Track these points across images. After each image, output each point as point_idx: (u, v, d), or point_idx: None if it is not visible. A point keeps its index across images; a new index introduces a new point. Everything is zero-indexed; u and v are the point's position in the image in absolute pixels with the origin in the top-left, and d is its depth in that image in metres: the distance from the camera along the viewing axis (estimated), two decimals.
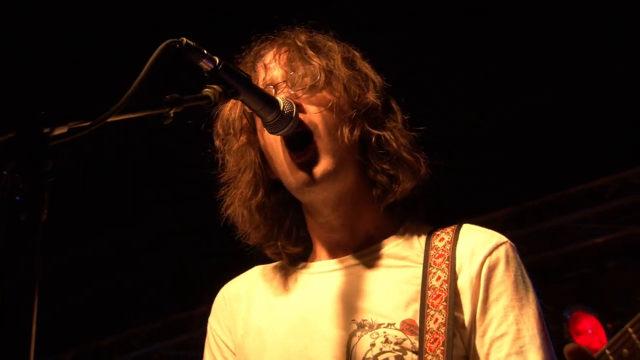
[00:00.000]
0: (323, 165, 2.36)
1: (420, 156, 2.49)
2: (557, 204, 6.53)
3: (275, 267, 2.64)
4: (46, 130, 1.68)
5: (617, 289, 6.50)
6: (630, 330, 1.67)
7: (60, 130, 1.71)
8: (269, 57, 2.52)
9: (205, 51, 2.09)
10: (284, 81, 2.45)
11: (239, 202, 2.55)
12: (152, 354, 7.68)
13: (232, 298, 2.63)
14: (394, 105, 2.57)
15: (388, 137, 2.45)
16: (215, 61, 2.10)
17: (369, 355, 2.22)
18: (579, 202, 6.50)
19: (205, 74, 2.11)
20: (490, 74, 6.03)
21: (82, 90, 4.48)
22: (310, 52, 2.46)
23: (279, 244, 2.57)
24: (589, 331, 6.36)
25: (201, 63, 2.09)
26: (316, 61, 2.44)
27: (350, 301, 2.35)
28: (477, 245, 2.37)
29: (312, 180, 2.36)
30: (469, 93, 6.00)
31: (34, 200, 1.62)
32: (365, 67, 2.57)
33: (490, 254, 2.34)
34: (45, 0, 4.93)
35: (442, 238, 2.41)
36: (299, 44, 2.49)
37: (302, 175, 2.37)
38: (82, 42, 5.12)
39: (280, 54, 2.50)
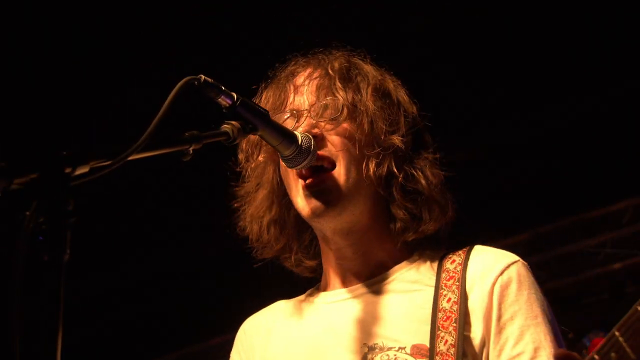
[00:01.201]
0: (334, 198, 2.36)
1: (449, 198, 2.47)
2: (574, 229, 6.50)
3: (296, 300, 2.64)
4: (68, 170, 1.68)
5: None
6: (617, 334, 1.66)
7: (82, 170, 1.72)
8: (300, 79, 2.51)
9: (223, 87, 2.09)
10: (307, 110, 2.44)
11: (252, 217, 2.56)
12: None
13: (253, 332, 2.64)
14: (427, 139, 2.55)
15: (417, 176, 2.42)
16: (233, 97, 2.10)
17: None
18: (596, 227, 6.47)
19: (224, 110, 2.11)
20: (500, 98, 6.00)
21: (103, 129, 4.45)
22: (338, 84, 2.44)
23: (292, 258, 2.59)
24: None
25: (219, 99, 2.09)
26: (341, 94, 2.42)
27: (362, 327, 2.35)
28: (488, 265, 2.35)
29: (320, 212, 2.37)
30: (480, 119, 5.98)
31: (56, 240, 1.62)
32: (401, 97, 2.55)
33: (502, 273, 2.32)
34: (64, 43, 4.92)
35: (453, 260, 2.40)
36: (331, 72, 2.47)
37: (311, 204, 2.38)
38: (105, 82, 5.13)
39: (311, 80, 2.49)
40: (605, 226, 6.44)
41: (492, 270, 2.33)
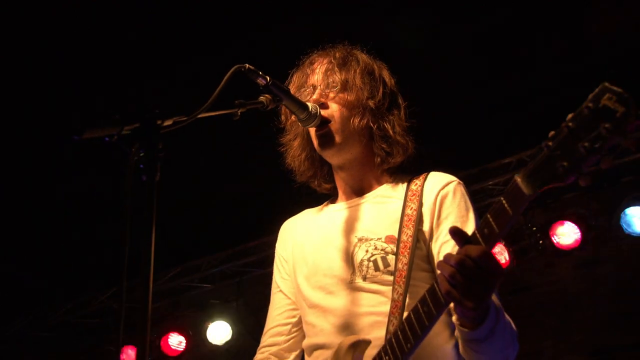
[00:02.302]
0: (332, 140, 2.34)
1: (410, 140, 2.42)
2: (480, 174, 6.49)
3: (316, 209, 2.62)
4: (159, 122, 1.67)
5: (517, 225, 6.46)
6: (488, 216, 1.62)
7: (168, 122, 1.70)
8: (315, 65, 2.47)
9: (260, 72, 2.05)
10: (318, 85, 2.40)
11: (292, 157, 2.54)
12: (227, 270, 7.67)
13: (288, 228, 2.63)
14: (400, 101, 2.49)
15: (387, 126, 2.39)
16: (267, 79, 2.06)
17: (365, 257, 2.22)
18: (494, 173, 6.47)
19: (261, 87, 2.08)
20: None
21: (183, 94, 4.23)
22: (336, 68, 2.41)
23: (316, 182, 2.56)
24: (498, 249, 6.32)
25: (258, 80, 2.06)
26: (338, 75, 2.39)
27: (354, 225, 2.34)
28: (436, 182, 2.32)
29: (324, 148, 2.36)
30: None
31: (151, 167, 1.61)
32: (383, 75, 2.49)
33: (443, 187, 2.29)
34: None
35: (416, 183, 2.36)
36: (333, 60, 2.43)
37: (320, 144, 2.37)
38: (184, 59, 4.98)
39: (321, 65, 2.45)
40: (499, 172, 6.43)
41: (437, 186, 2.30)
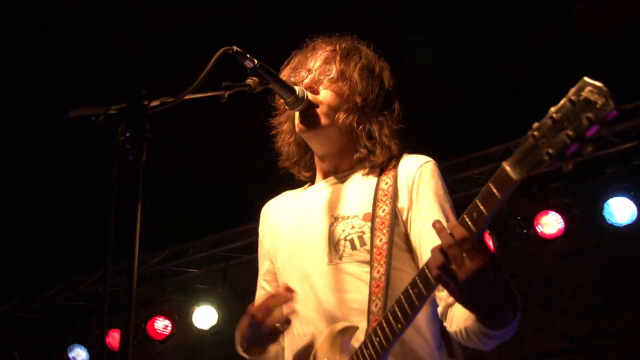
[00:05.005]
0: (314, 122, 2.31)
1: (395, 142, 2.37)
2: (467, 163, 6.52)
3: (296, 190, 2.60)
4: (146, 102, 1.66)
5: (502, 214, 6.51)
6: (477, 201, 1.64)
7: (155, 103, 1.68)
8: (317, 51, 2.44)
9: (248, 55, 2.03)
10: (315, 70, 2.38)
11: (282, 140, 2.52)
12: (214, 254, 7.65)
13: (267, 209, 2.62)
14: (396, 105, 2.43)
15: (373, 128, 2.35)
16: (254, 62, 2.05)
17: (342, 235, 2.21)
18: (480, 161, 6.50)
19: (248, 70, 2.06)
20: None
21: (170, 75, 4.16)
22: (338, 58, 2.38)
23: (297, 168, 2.55)
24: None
25: (245, 63, 2.04)
26: (337, 65, 2.36)
27: (331, 204, 2.33)
28: (412, 162, 2.30)
29: (304, 129, 2.34)
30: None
31: (137, 147, 1.60)
32: (383, 75, 2.45)
33: (420, 166, 2.27)
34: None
35: (392, 162, 2.34)
36: (337, 49, 2.41)
37: (300, 124, 2.35)
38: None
39: (323, 51, 2.42)
40: (486, 161, 6.46)
41: (414, 167, 2.28)
